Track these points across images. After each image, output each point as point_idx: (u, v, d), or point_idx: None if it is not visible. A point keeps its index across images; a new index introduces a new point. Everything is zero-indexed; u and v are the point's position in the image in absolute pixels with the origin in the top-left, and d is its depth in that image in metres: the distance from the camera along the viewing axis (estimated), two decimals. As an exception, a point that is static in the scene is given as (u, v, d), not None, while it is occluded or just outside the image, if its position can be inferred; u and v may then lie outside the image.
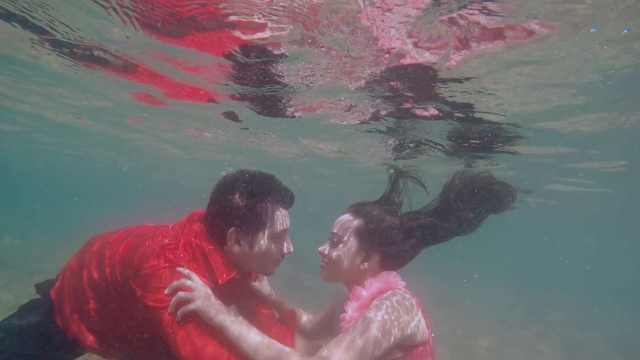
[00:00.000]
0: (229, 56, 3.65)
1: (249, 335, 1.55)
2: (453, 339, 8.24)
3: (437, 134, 5.87)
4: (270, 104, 5.28)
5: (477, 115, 4.78)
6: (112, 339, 1.89)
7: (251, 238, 1.74)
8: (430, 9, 2.62)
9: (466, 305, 11.36)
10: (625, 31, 2.74)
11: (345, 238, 1.81)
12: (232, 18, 2.94)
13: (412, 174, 1.91)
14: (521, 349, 8.39)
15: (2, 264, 9.13)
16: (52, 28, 3.56)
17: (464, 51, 3.17)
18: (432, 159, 7.85)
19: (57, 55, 4.41)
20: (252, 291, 2.16)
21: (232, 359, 1.54)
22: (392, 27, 2.94)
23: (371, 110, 5.04)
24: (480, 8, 2.52)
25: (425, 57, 3.33)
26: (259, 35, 3.13)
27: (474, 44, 3.05)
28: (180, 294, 1.57)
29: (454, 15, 2.63)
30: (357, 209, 1.86)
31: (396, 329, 1.52)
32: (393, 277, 1.77)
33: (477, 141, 6.05)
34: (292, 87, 4.48)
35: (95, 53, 4.15)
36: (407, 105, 4.65)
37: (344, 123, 5.90)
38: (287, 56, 3.54)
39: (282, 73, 4.02)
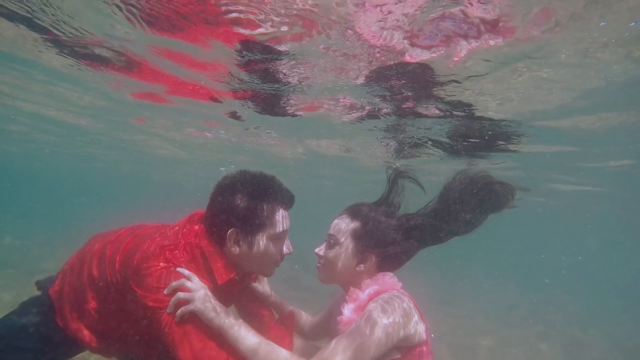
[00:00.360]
0: (231, 52, 3.63)
1: (247, 337, 1.54)
2: (454, 338, 8.24)
3: (437, 133, 5.86)
4: (272, 103, 5.27)
5: (477, 113, 4.77)
6: (112, 338, 1.89)
7: (251, 239, 1.73)
8: (426, 7, 2.61)
9: (467, 304, 11.36)
10: (633, 23, 2.71)
11: (342, 240, 1.80)
12: (233, 15, 2.93)
13: (410, 174, 1.90)
14: (522, 349, 8.38)
15: (3, 264, 9.13)
16: (56, 27, 3.55)
17: (462, 48, 3.15)
18: (433, 159, 7.85)
19: (59, 54, 4.41)
20: (252, 292, 2.16)
21: None
22: (386, 28, 2.94)
23: (371, 108, 5.03)
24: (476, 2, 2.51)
25: (424, 55, 3.32)
26: (260, 30, 3.12)
27: (472, 41, 3.04)
28: (180, 294, 1.57)
29: (451, 10, 2.61)
30: (354, 211, 1.86)
31: (394, 330, 1.52)
32: (390, 278, 1.77)
33: (477, 140, 6.04)
34: (293, 86, 4.48)
35: (98, 51, 4.14)
36: (407, 104, 4.65)
37: (344, 121, 5.89)
38: (289, 53, 3.53)
39: (284, 71, 4.01)
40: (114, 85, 5.61)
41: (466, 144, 6.36)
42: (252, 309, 2.14)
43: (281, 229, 1.77)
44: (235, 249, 1.74)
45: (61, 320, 1.88)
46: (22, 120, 10.05)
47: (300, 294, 8.60)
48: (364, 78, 4.01)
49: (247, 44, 3.40)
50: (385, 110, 5.03)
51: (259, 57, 3.67)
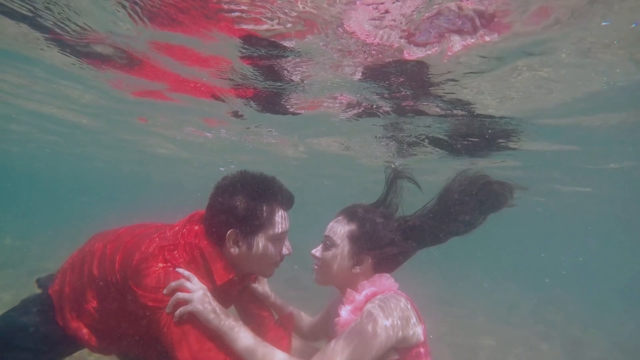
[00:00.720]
0: (235, 44, 3.61)
1: (245, 338, 1.54)
2: (454, 338, 8.23)
3: (436, 131, 5.85)
4: (273, 101, 5.26)
5: (477, 111, 4.76)
6: (111, 337, 1.89)
7: (250, 240, 1.73)
8: (423, 6, 2.60)
9: (467, 304, 11.35)
10: (634, 25, 2.71)
11: (338, 242, 1.80)
12: (235, 14, 2.94)
13: (408, 174, 1.90)
14: (523, 349, 8.37)
15: (3, 264, 9.13)
16: (59, 25, 3.54)
17: (456, 43, 3.13)
18: (432, 158, 7.84)
19: (61, 52, 4.40)
20: (252, 293, 2.16)
21: None
22: (382, 27, 2.93)
23: (369, 105, 5.02)
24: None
25: (420, 52, 3.32)
26: (264, 27, 3.12)
27: (467, 37, 3.02)
28: (179, 294, 1.57)
29: (447, 5, 2.60)
30: (350, 212, 1.85)
31: (391, 331, 1.51)
32: (386, 280, 1.76)
33: (477, 139, 6.03)
34: (295, 84, 4.47)
35: (99, 49, 4.13)
36: (406, 102, 4.65)
37: (343, 119, 5.88)
38: (293, 50, 3.52)
39: (287, 68, 4.00)
40: (115, 84, 5.62)
41: (466, 142, 6.36)
42: (252, 309, 2.14)
43: (281, 230, 1.77)
44: (235, 250, 1.74)
45: (61, 319, 1.88)
46: (23, 119, 10.05)
47: (301, 294, 8.58)
48: (361, 75, 4.01)
49: (251, 39, 3.38)
50: (384, 108, 5.03)
51: (263, 52, 3.64)
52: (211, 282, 1.73)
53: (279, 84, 4.51)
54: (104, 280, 1.75)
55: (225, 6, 2.85)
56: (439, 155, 7.47)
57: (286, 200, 1.81)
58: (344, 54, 3.55)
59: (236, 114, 6.43)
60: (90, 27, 3.54)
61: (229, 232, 1.71)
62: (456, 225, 1.75)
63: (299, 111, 5.69)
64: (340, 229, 1.81)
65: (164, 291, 1.57)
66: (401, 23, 2.86)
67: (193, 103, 6.16)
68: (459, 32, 2.93)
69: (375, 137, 6.84)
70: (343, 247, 1.79)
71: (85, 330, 1.86)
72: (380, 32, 3.03)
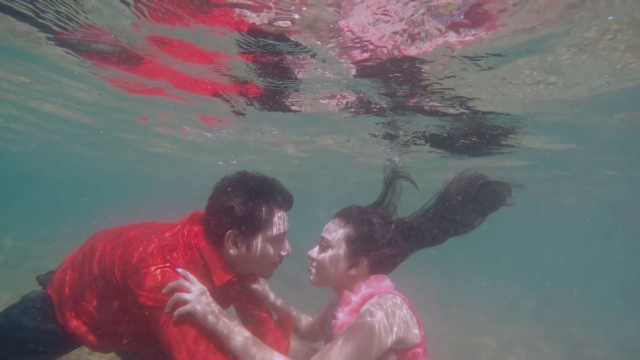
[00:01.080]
0: (239, 38, 3.59)
1: (243, 340, 1.54)
2: (455, 338, 8.23)
3: (436, 129, 5.84)
4: (275, 98, 5.25)
5: (477, 109, 4.75)
6: (111, 336, 1.89)
7: (249, 241, 1.73)
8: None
9: (468, 304, 11.35)
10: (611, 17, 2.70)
11: (334, 243, 1.79)
12: (239, 10, 2.94)
13: (405, 174, 1.89)
14: (523, 348, 8.37)
15: (3, 263, 9.13)
16: (62, 21, 3.52)
17: (452, 39, 3.12)
18: (433, 157, 7.84)
19: (63, 50, 4.39)
20: (251, 293, 2.16)
21: None
22: (379, 25, 2.93)
23: (370, 103, 5.01)
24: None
25: (417, 50, 3.31)
26: (264, 20, 3.10)
27: (466, 34, 3.01)
28: (178, 294, 1.57)
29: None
30: (347, 214, 1.84)
31: (388, 333, 1.51)
32: (383, 281, 1.76)
33: (477, 138, 6.02)
34: (298, 81, 4.46)
35: (102, 47, 4.12)
36: (406, 99, 4.64)
37: (344, 117, 5.87)
38: (291, 46, 3.51)
39: (285, 64, 4.00)
40: (116, 82, 5.60)
41: (466, 141, 6.35)
42: (251, 310, 2.13)
43: (280, 231, 1.76)
44: (234, 251, 1.74)
45: (61, 318, 1.88)
46: (23, 118, 10.03)
47: (301, 294, 8.57)
48: (360, 73, 4.01)
49: (251, 33, 3.36)
50: (383, 106, 5.03)
51: (263, 48, 3.62)
52: (210, 282, 1.72)
53: (279, 80, 4.50)
54: (104, 279, 1.76)
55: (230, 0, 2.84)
56: (438, 154, 7.47)
57: (285, 202, 1.80)
58: (343, 51, 3.55)
59: (237, 112, 6.42)
60: (94, 24, 3.52)
61: (227, 233, 1.70)
62: (455, 226, 1.75)
63: (299, 108, 5.67)
64: (336, 231, 1.81)
65: (163, 291, 1.57)
66: (401, 20, 2.85)
67: (194, 101, 6.14)
68: (458, 27, 2.92)
69: (375, 135, 6.84)
70: (339, 248, 1.78)
71: (84, 329, 1.86)
72: (380, 29, 3.02)
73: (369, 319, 1.52)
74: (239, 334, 1.55)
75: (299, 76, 4.32)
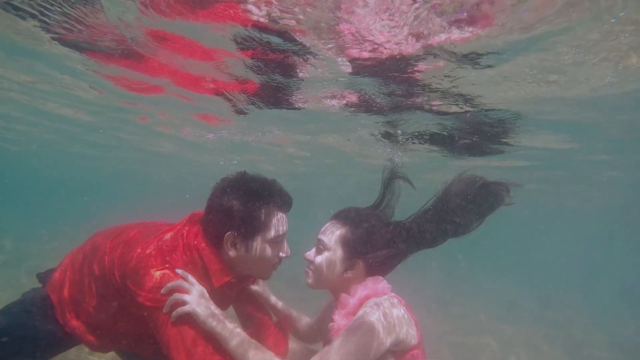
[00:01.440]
0: (234, 38, 3.59)
1: (241, 341, 1.54)
2: (454, 337, 8.22)
3: (436, 127, 5.83)
4: (276, 95, 5.22)
5: (478, 106, 4.73)
6: (110, 335, 1.89)
7: (248, 242, 1.72)
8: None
9: (468, 303, 11.34)
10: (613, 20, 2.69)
11: (330, 245, 1.79)
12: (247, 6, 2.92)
13: (402, 174, 1.89)
14: (523, 348, 8.36)
15: (2, 263, 9.13)
16: (65, 18, 3.51)
17: (453, 35, 3.10)
18: (434, 157, 7.83)
19: (64, 47, 4.37)
20: (250, 294, 2.15)
21: None
22: (382, 23, 2.91)
23: (371, 101, 5.00)
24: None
25: (417, 47, 3.30)
26: (266, 17, 3.09)
27: (466, 31, 3.00)
28: (176, 295, 1.57)
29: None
30: (344, 215, 1.84)
31: (385, 335, 1.50)
32: (379, 283, 1.75)
33: (476, 135, 6.01)
34: (295, 78, 4.44)
35: (103, 44, 4.10)
36: (406, 97, 4.63)
37: (344, 115, 5.85)
38: (292, 43, 3.50)
39: (294, 62, 3.99)
40: (117, 80, 5.58)
41: (467, 141, 6.34)
42: (250, 311, 2.13)
43: (279, 233, 1.76)
44: (233, 252, 1.74)
45: (61, 318, 1.88)
46: (24, 118, 10.03)
47: (301, 294, 8.57)
48: (361, 71, 4.00)
49: (259, 29, 3.34)
50: (384, 104, 5.01)
51: (265, 44, 3.60)
52: (209, 283, 1.72)
53: (280, 77, 4.48)
54: (103, 279, 1.76)
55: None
56: (439, 153, 7.46)
57: (285, 203, 1.80)
58: (345, 50, 3.54)
59: (239, 111, 6.39)
60: (101, 22, 3.51)
61: (226, 234, 1.70)
62: (454, 228, 1.75)
63: (300, 106, 5.63)
64: (333, 233, 1.80)
65: (162, 291, 1.57)
66: (405, 18, 2.84)
67: (195, 100, 6.12)
68: (459, 24, 2.91)
69: (375, 134, 6.84)
70: (335, 251, 1.78)
71: (84, 329, 1.87)
72: (383, 27, 3.01)
73: (366, 321, 1.51)
74: (237, 336, 1.54)
75: (300, 74, 4.31)
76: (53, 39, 4.03)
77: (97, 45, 4.15)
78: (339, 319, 1.69)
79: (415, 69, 3.80)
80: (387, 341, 1.50)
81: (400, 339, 1.55)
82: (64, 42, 4.16)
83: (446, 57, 3.48)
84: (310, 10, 2.86)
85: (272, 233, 1.74)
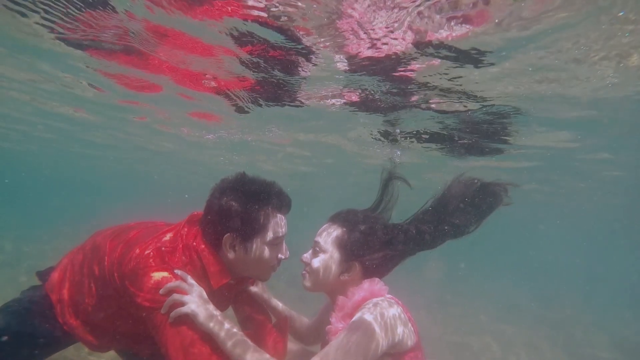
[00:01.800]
0: (238, 35, 3.58)
1: (239, 343, 1.53)
2: (455, 337, 8.23)
3: (436, 126, 5.82)
4: (276, 92, 5.19)
5: (478, 104, 4.71)
6: (109, 334, 1.90)
7: (247, 244, 1.72)
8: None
9: (468, 303, 11.35)
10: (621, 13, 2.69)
11: (327, 248, 1.78)
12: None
13: (400, 175, 1.89)
14: (523, 348, 8.37)
15: (1, 262, 9.13)
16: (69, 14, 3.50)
17: (455, 32, 3.10)
18: (435, 156, 7.83)
19: (66, 44, 4.36)
20: (249, 295, 2.15)
21: None
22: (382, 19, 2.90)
23: (373, 99, 4.99)
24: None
25: (421, 43, 3.29)
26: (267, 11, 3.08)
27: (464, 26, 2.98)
28: (175, 296, 1.57)
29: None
30: (341, 218, 1.83)
31: (382, 337, 1.50)
32: (376, 285, 1.74)
33: (476, 134, 5.99)
34: (303, 77, 4.44)
35: (105, 42, 4.10)
36: (407, 96, 4.62)
37: (345, 113, 5.84)
38: (298, 39, 3.48)
39: (291, 59, 3.97)
40: (120, 79, 5.58)
41: (467, 140, 6.33)
42: (249, 313, 2.13)
43: (278, 235, 1.76)
44: (231, 254, 1.74)
45: (60, 317, 1.88)
46: (24, 118, 10.02)
47: (301, 293, 8.58)
48: (361, 69, 3.99)
49: (260, 24, 3.32)
50: (385, 102, 5.00)
51: (266, 41, 3.58)
52: (208, 285, 1.72)
53: (280, 74, 4.46)
54: (103, 279, 1.76)
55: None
56: (440, 152, 7.45)
57: (284, 205, 1.79)
58: (347, 48, 3.53)
59: (239, 109, 6.35)
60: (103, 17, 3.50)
61: (225, 236, 1.70)
62: (453, 230, 1.75)
63: (301, 103, 5.60)
64: (329, 235, 1.80)
65: (161, 291, 1.57)
66: (403, 13, 2.83)
67: (196, 98, 6.10)
68: (458, 20, 2.90)
69: (374, 132, 6.83)
70: (331, 253, 1.77)
71: (83, 328, 1.87)
72: (380, 22, 2.99)
73: (363, 323, 1.51)
74: (235, 337, 1.54)
75: (300, 71, 4.29)
76: (57, 38, 4.02)
77: (99, 43, 4.14)
78: (336, 322, 1.68)
79: (414, 67, 3.80)
80: (384, 343, 1.50)
81: (398, 340, 1.55)
82: (66, 41, 4.16)
83: (444, 55, 3.47)
84: (313, 5, 2.84)
85: (271, 235, 1.74)
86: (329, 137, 7.98)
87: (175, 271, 1.63)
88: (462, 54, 3.43)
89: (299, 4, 2.87)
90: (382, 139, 7.14)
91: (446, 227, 1.75)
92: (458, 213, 1.73)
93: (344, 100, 5.26)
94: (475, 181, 1.76)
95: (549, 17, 2.76)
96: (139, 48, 4.18)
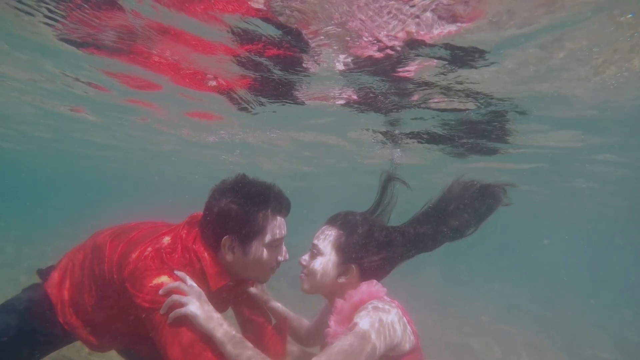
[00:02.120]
0: (239, 32, 3.56)
1: (237, 344, 1.53)
2: (455, 338, 8.23)
3: (437, 125, 5.81)
4: (277, 89, 5.16)
5: (479, 103, 4.71)
6: (108, 334, 1.90)
7: (245, 246, 1.72)
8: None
9: (468, 304, 11.35)
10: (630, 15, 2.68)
11: (324, 250, 1.78)
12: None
13: (398, 176, 1.88)
14: (525, 349, 8.37)
15: (1, 263, 9.14)
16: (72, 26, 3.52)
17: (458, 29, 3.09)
18: (435, 157, 7.83)
19: (71, 47, 4.38)
20: (249, 297, 2.15)
21: None
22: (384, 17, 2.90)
23: (374, 98, 4.98)
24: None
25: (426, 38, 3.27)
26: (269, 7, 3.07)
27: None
28: (174, 296, 1.56)
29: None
30: (338, 220, 1.83)
31: (379, 340, 1.49)
32: (374, 287, 1.73)
33: (475, 135, 5.99)
34: (299, 74, 4.42)
35: (106, 41, 4.09)
36: (409, 96, 4.61)
37: (345, 112, 5.83)
38: (300, 36, 3.47)
39: (294, 57, 3.96)
40: (121, 79, 5.57)
41: (467, 140, 6.33)
42: (249, 314, 2.12)
43: (276, 237, 1.75)
44: (229, 256, 1.73)
45: (60, 316, 1.88)
46: (25, 118, 10.02)
47: (301, 294, 8.58)
48: (362, 67, 3.99)
49: (262, 20, 3.30)
50: (388, 103, 4.99)
51: (273, 36, 3.55)
52: (207, 286, 1.72)
53: (282, 72, 4.45)
54: (103, 279, 1.76)
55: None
56: (441, 152, 7.45)
57: (283, 207, 1.79)
58: (349, 47, 3.52)
59: (241, 108, 6.34)
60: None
61: (224, 238, 1.70)
62: (452, 232, 1.75)
63: (302, 102, 5.58)
64: (327, 237, 1.79)
65: (160, 292, 1.57)
66: (404, 10, 2.83)
67: (197, 97, 6.09)
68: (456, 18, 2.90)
69: (375, 132, 6.82)
70: (329, 256, 1.77)
71: (83, 328, 1.87)
72: (390, 22, 2.99)
73: (360, 326, 1.50)
74: (234, 338, 1.54)
75: (302, 70, 4.28)
76: (58, 37, 4.00)
77: (101, 41, 4.14)
78: (335, 325, 1.68)
79: (412, 66, 3.79)
80: (382, 346, 1.49)
81: (395, 343, 1.54)
82: (68, 41, 4.16)
83: (444, 54, 3.46)
84: (325, 5, 2.83)
85: (270, 237, 1.74)
86: (329, 137, 7.98)
87: (175, 272, 1.64)
88: (461, 51, 3.42)
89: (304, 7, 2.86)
90: (383, 138, 7.14)
91: (445, 229, 1.75)
92: (457, 215, 1.73)
93: (345, 100, 5.26)
94: (475, 183, 1.76)
95: (550, 12, 2.75)
96: (141, 46, 4.18)
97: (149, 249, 1.67)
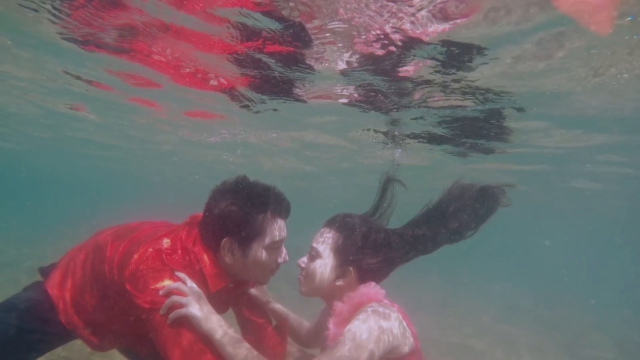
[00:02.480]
0: (240, 29, 3.54)
1: (236, 346, 1.53)
2: (455, 338, 8.22)
3: (438, 125, 5.80)
4: (279, 86, 5.10)
5: (479, 102, 4.70)
6: (109, 334, 1.91)
7: (245, 248, 1.72)
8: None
9: (468, 304, 11.34)
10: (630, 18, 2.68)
11: (323, 253, 1.77)
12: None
13: (396, 177, 1.87)
14: (526, 349, 8.37)
15: (2, 263, 9.14)
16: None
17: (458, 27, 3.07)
18: (436, 156, 7.82)
19: (72, 46, 4.37)
20: (249, 298, 2.15)
21: None
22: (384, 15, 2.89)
23: (375, 98, 4.98)
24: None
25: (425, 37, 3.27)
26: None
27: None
28: (174, 297, 1.57)
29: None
30: (337, 223, 1.82)
31: (378, 342, 1.49)
32: (372, 289, 1.72)
33: (475, 134, 5.97)
34: (300, 71, 4.40)
35: (107, 40, 4.09)
36: (411, 95, 4.61)
37: (347, 111, 5.82)
38: (303, 33, 3.44)
39: (295, 54, 3.93)
40: (123, 78, 5.55)
41: (467, 139, 6.33)
42: (249, 315, 2.13)
43: (276, 239, 1.75)
44: (229, 258, 1.73)
45: (62, 316, 1.88)
46: (26, 117, 10.02)
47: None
48: (363, 66, 3.97)
49: (263, 14, 3.26)
50: (389, 102, 4.98)
51: (275, 31, 3.50)
52: (206, 287, 1.72)
53: (283, 69, 4.43)
54: (103, 280, 1.76)
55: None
56: (443, 151, 7.45)
57: (283, 209, 1.79)
58: (351, 44, 3.51)
59: (242, 105, 6.31)
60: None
61: (224, 240, 1.70)
62: (452, 234, 1.75)
63: (304, 100, 5.54)
64: (325, 240, 1.79)
65: (160, 293, 1.57)
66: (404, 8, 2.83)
67: (198, 96, 6.08)
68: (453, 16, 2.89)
69: (376, 132, 6.82)
70: (327, 258, 1.76)
71: (84, 327, 1.87)
72: (384, 18, 2.99)
73: (358, 329, 1.49)
74: (233, 339, 1.54)
75: (305, 67, 4.25)
76: (60, 34, 3.99)
77: (102, 40, 4.13)
78: (334, 327, 1.67)
79: (412, 66, 3.78)
80: (380, 348, 1.49)
81: (394, 345, 1.53)
82: (70, 40, 4.15)
83: (444, 52, 3.45)
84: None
85: (270, 239, 1.73)
86: (330, 138, 7.98)
87: (175, 273, 1.64)
88: (458, 48, 3.40)
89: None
90: (384, 139, 7.14)
91: (444, 231, 1.75)
92: (457, 217, 1.73)
93: (346, 99, 5.25)
94: (474, 184, 1.76)
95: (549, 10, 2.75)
96: (142, 44, 4.17)
97: (150, 250, 1.67)
